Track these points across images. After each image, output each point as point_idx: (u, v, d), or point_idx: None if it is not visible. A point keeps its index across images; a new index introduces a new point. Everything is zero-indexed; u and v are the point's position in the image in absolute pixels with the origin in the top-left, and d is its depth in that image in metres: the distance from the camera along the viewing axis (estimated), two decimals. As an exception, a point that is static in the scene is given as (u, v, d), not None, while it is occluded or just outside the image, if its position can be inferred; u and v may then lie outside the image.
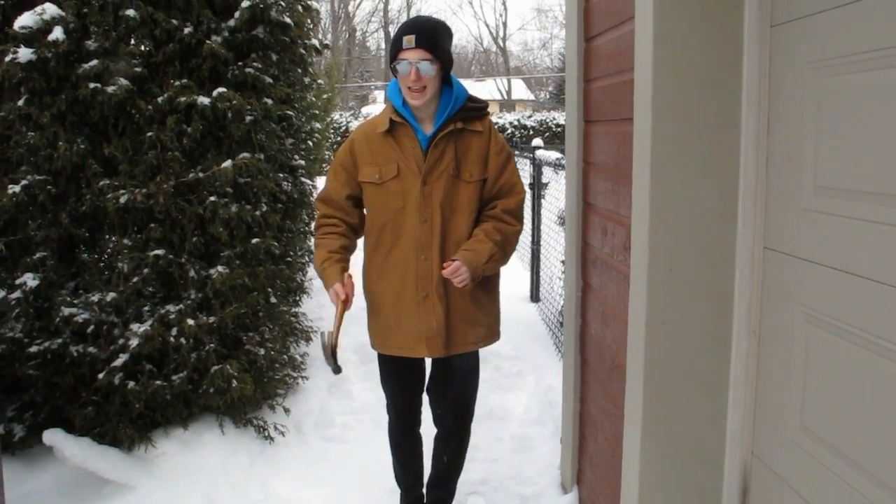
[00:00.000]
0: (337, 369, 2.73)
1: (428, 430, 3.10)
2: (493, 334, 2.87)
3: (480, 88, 40.64)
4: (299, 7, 4.12)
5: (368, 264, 2.81)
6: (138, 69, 3.49)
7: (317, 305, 6.41)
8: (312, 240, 2.83)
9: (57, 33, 3.29)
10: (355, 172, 2.73)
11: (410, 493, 3.16)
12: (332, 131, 17.90)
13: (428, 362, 2.95)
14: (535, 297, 6.84)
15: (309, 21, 4.39)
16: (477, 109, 2.70)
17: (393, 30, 47.16)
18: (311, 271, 6.66)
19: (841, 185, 1.53)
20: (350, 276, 2.68)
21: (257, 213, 3.79)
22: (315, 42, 4.64)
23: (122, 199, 3.43)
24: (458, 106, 2.65)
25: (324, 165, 11.62)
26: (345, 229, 2.79)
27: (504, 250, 2.71)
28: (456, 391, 2.94)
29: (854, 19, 1.46)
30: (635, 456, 2.05)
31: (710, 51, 1.87)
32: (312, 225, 6.92)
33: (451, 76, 2.68)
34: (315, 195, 6.60)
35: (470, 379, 2.96)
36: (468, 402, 3.00)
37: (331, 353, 2.68)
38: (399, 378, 2.94)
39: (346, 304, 2.65)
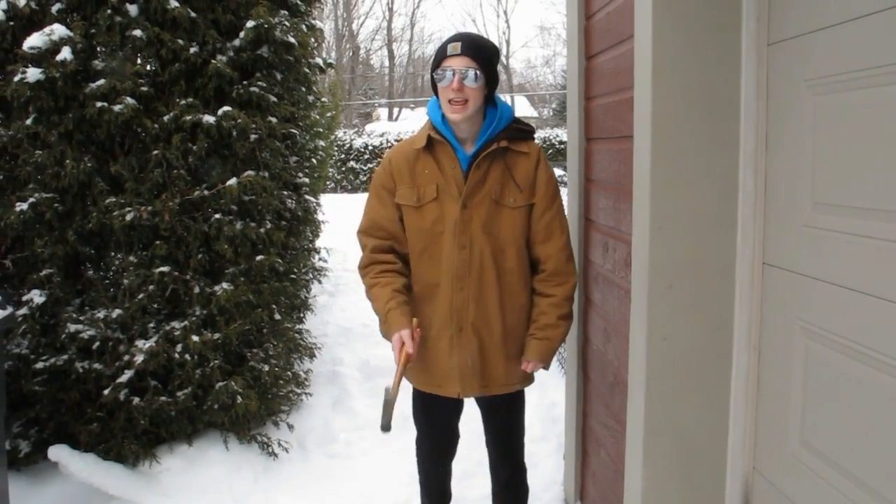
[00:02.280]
0: (387, 427, 2.34)
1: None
2: (529, 376, 2.59)
3: (484, 106, 40.68)
4: (303, 27, 4.16)
5: None
6: (144, 88, 3.53)
7: (320, 322, 6.43)
8: (364, 283, 2.56)
9: (65, 53, 3.33)
10: (395, 193, 2.50)
11: None
12: (335, 149, 17.99)
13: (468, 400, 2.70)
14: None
15: (313, 40, 4.43)
16: (524, 131, 2.49)
17: (397, 47, 47.37)
18: (315, 288, 6.68)
19: (839, 201, 1.55)
20: (418, 328, 2.39)
21: (262, 230, 3.81)
22: (319, 61, 4.68)
23: (128, 217, 3.45)
24: (504, 125, 2.44)
25: (328, 183, 11.63)
26: (402, 266, 2.51)
27: (571, 311, 2.55)
28: (497, 431, 2.72)
29: (849, 38, 1.48)
30: (637, 471, 2.06)
31: (708, 69, 1.89)
32: (316, 242, 7.00)
33: (496, 96, 2.48)
34: (318, 210, 6.66)
35: (512, 418, 2.70)
36: (519, 435, 2.75)
37: (390, 410, 2.33)
38: (430, 413, 2.71)
39: (409, 357, 2.32)
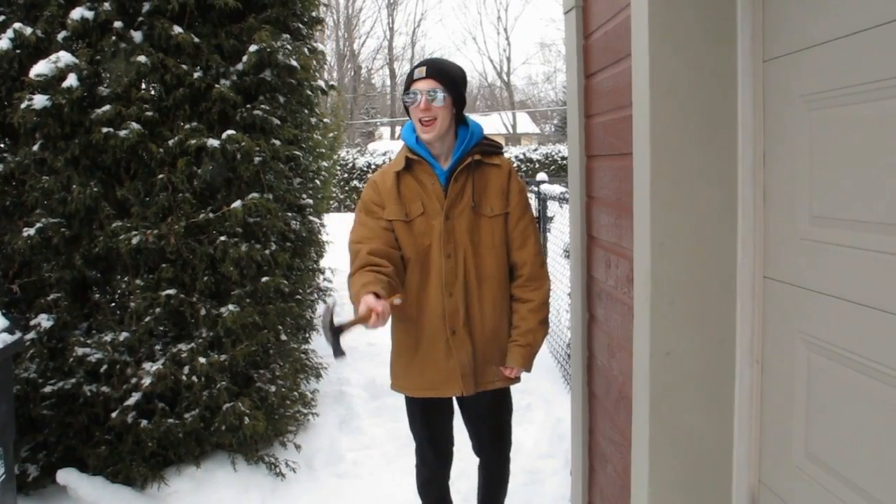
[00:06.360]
0: (338, 351, 2.44)
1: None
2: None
3: (486, 123, 40.88)
4: (305, 50, 4.21)
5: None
6: (149, 113, 3.57)
7: (326, 342, 6.43)
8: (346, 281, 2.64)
9: (71, 80, 3.38)
10: (383, 208, 2.67)
11: None
12: (338, 168, 18.04)
13: (454, 400, 2.88)
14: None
15: (315, 63, 4.48)
16: (493, 146, 2.72)
17: (399, 66, 47.69)
18: (321, 308, 6.68)
19: (836, 214, 1.56)
20: (387, 301, 2.38)
21: (267, 251, 3.84)
22: (321, 83, 4.73)
23: (135, 241, 3.49)
24: (475, 141, 2.66)
25: (331, 202, 11.64)
26: (391, 269, 2.55)
27: (548, 318, 2.78)
28: (491, 421, 2.92)
29: (844, 54, 1.51)
30: (644, 486, 2.07)
31: (706, 87, 1.91)
32: (321, 262, 7.02)
33: (466, 116, 2.70)
34: (322, 231, 6.68)
35: (502, 406, 2.92)
36: (503, 427, 2.96)
37: (330, 330, 2.41)
38: (429, 420, 2.86)
39: (370, 316, 2.33)
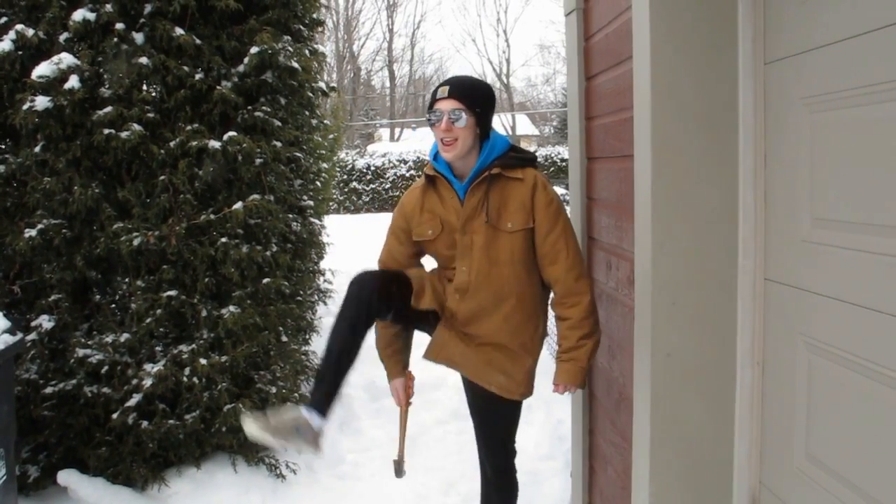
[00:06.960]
0: (400, 473, 2.85)
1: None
2: (510, 389, 2.61)
3: (485, 125, 40.73)
4: (306, 51, 4.21)
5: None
6: (151, 115, 3.58)
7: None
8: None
9: (73, 82, 3.38)
10: (410, 232, 2.65)
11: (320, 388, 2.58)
12: (338, 170, 18.02)
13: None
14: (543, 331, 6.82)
15: (316, 65, 4.48)
16: (520, 159, 2.59)
17: (398, 67, 47.64)
18: (321, 310, 6.70)
19: (837, 216, 1.57)
20: (412, 376, 2.80)
21: (267, 253, 3.84)
22: (322, 85, 4.73)
23: (136, 242, 3.49)
24: (496, 154, 2.55)
25: (331, 204, 11.62)
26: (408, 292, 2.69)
27: (596, 327, 2.55)
28: (490, 422, 2.84)
29: (844, 57, 1.51)
30: (644, 488, 2.07)
31: (707, 89, 1.92)
32: (321, 263, 7.02)
33: (493, 130, 2.59)
34: (322, 232, 6.70)
35: (505, 413, 2.79)
36: (501, 433, 2.86)
37: (401, 466, 2.83)
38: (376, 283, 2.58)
39: (406, 406, 2.78)
